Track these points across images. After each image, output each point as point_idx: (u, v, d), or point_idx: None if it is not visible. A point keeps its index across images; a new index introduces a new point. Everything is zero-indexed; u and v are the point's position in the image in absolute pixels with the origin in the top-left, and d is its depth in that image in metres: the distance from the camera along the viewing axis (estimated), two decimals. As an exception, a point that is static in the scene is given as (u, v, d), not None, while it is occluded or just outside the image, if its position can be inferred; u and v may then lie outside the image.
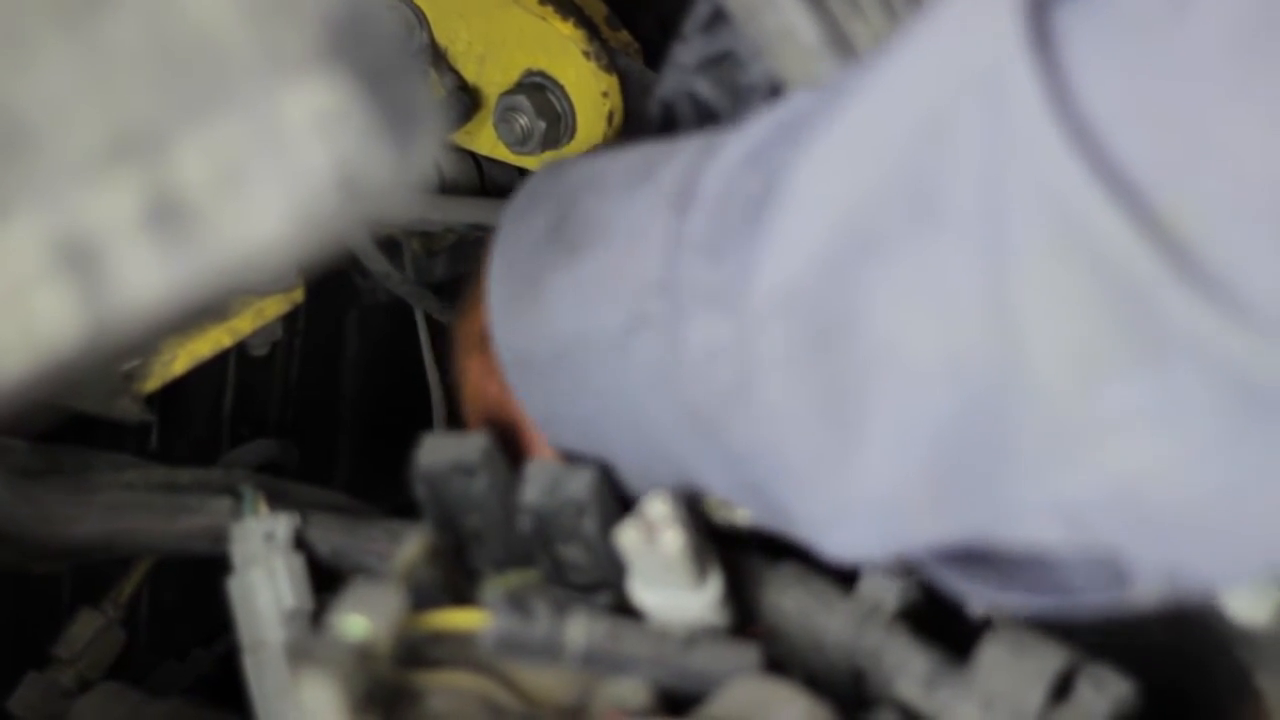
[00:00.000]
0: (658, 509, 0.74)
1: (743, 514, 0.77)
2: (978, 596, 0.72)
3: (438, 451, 0.79)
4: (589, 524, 0.77)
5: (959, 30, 0.65)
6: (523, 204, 0.81)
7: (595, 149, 0.98)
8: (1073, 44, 0.62)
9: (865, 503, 0.69)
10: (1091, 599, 0.69)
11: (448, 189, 1.05)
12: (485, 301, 0.81)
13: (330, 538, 0.86)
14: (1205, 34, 0.59)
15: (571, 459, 0.79)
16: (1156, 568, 0.66)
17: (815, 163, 0.68)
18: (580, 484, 0.77)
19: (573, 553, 0.78)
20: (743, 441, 0.71)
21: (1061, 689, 0.73)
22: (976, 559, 0.70)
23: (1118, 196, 0.59)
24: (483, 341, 0.82)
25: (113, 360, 0.82)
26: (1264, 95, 0.58)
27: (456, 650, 0.77)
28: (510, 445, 0.81)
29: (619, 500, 0.78)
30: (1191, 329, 0.59)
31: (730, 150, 0.73)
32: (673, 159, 0.76)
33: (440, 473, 0.79)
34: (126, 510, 0.89)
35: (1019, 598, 0.71)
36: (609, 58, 0.99)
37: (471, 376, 0.84)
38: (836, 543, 0.72)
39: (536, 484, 0.78)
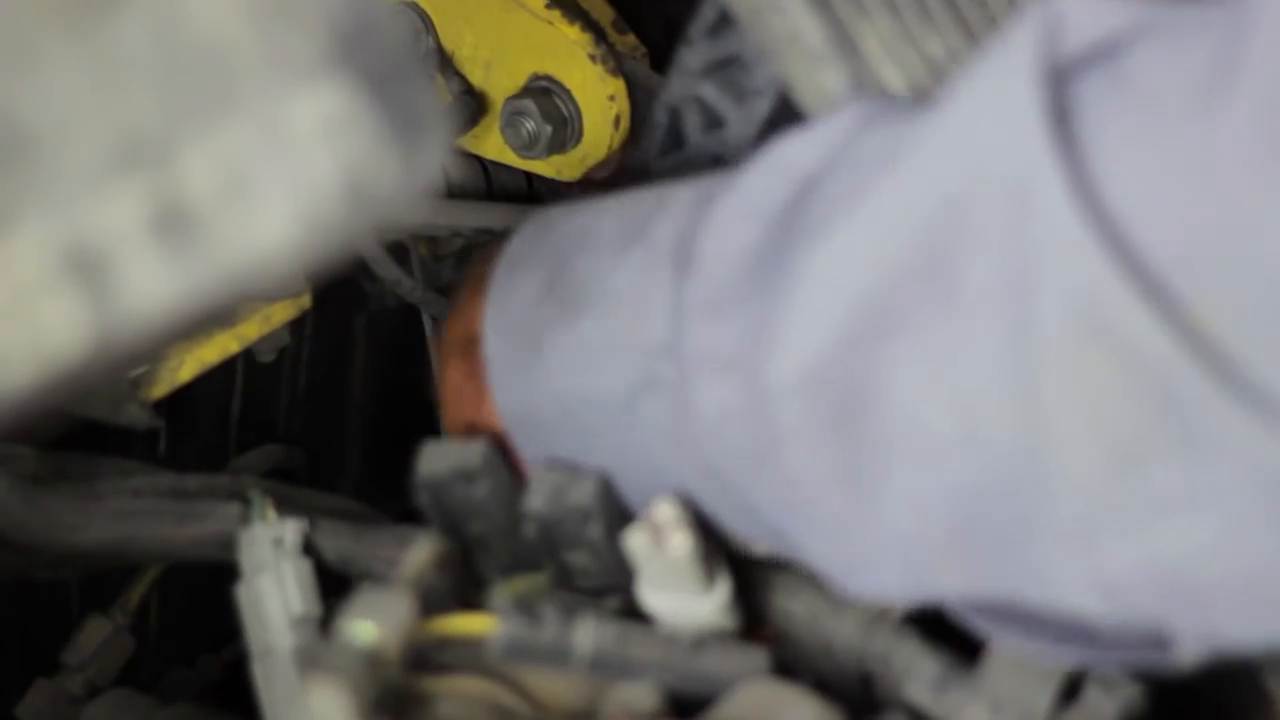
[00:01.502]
0: (665, 512, 0.74)
1: (761, 546, 0.77)
2: (1002, 641, 0.72)
3: (438, 459, 0.80)
4: (594, 530, 0.77)
5: (982, 116, 0.64)
6: (513, 259, 0.81)
7: (597, 172, 0.99)
8: (1096, 133, 0.61)
9: (886, 555, 0.70)
10: (1126, 656, 0.69)
11: (455, 194, 1.05)
12: (475, 316, 0.81)
13: (339, 543, 0.86)
14: (1235, 133, 0.59)
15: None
16: (1198, 636, 0.66)
17: (832, 246, 0.68)
18: (584, 491, 0.77)
19: (579, 559, 0.78)
20: (761, 496, 0.72)
21: (1070, 691, 0.73)
22: (1004, 607, 0.70)
23: (1146, 295, 0.59)
24: (465, 345, 0.82)
25: (120, 367, 0.82)
26: None
27: (465, 655, 0.77)
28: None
29: (622, 507, 0.78)
30: (1227, 430, 0.59)
31: (730, 208, 0.73)
32: (665, 213, 0.75)
33: (442, 480, 0.79)
34: (135, 517, 0.89)
35: (1046, 647, 0.71)
36: (615, 62, 0.99)
37: (451, 378, 0.84)
38: (858, 587, 0.72)
39: (541, 492, 0.78)
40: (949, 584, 0.70)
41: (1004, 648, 0.73)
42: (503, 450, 0.81)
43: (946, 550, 0.68)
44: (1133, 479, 0.62)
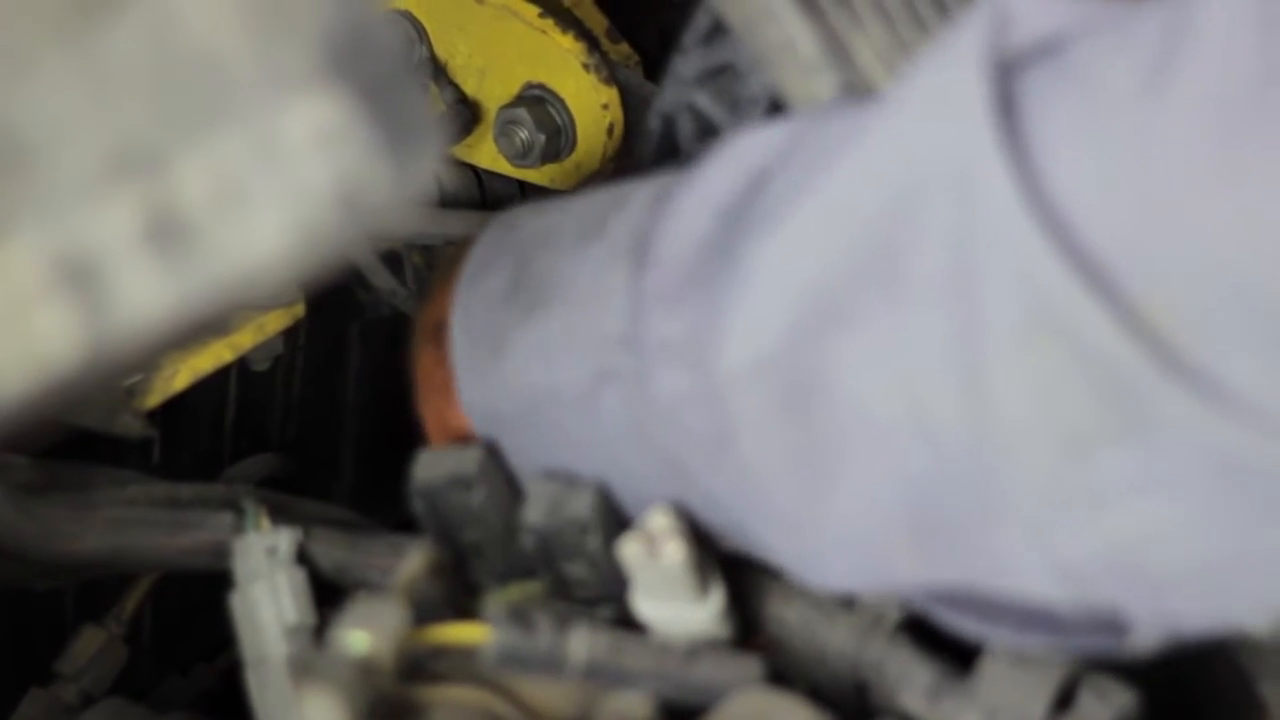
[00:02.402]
0: (659, 521, 0.74)
1: (726, 543, 0.77)
2: (964, 629, 0.72)
3: (434, 466, 0.80)
4: (592, 542, 0.77)
5: (928, 107, 0.65)
6: (478, 261, 0.81)
7: (592, 182, 0.99)
8: (1042, 124, 0.62)
9: (842, 545, 0.70)
10: (1085, 642, 0.69)
11: (448, 202, 1.06)
12: (445, 304, 0.82)
13: (333, 552, 0.86)
14: (1183, 119, 0.59)
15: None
16: (1155, 620, 0.67)
17: (781, 238, 0.68)
18: (582, 503, 0.77)
19: (576, 570, 0.78)
20: (720, 486, 0.72)
21: (1064, 699, 0.73)
22: (963, 595, 0.70)
23: (1091, 284, 0.59)
24: (435, 330, 0.83)
25: (114, 376, 0.82)
26: (1243, 188, 0.57)
27: (459, 664, 0.77)
28: (454, 434, 0.82)
29: (620, 518, 0.78)
30: (1176, 415, 0.59)
31: (687, 202, 0.73)
32: (624, 210, 0.76)
33: (437, 487, 0.79)
34: (129, 526, 0.89)
35: (1007, 634, 0.71)
36: (609, 70, 0.99)
37: (423, 363, 0.85)
38: (817, 578, 0.73)
39: (538, 503, 0.78)
40: (905, 574, 0.70)
41: (966, 632, 0.73)
42: (464, 434, 0.81)
43: (901, 540, 0.68)
44: (1084, 465, 0.62)
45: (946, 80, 0.64)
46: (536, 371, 0.77)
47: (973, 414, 0.64)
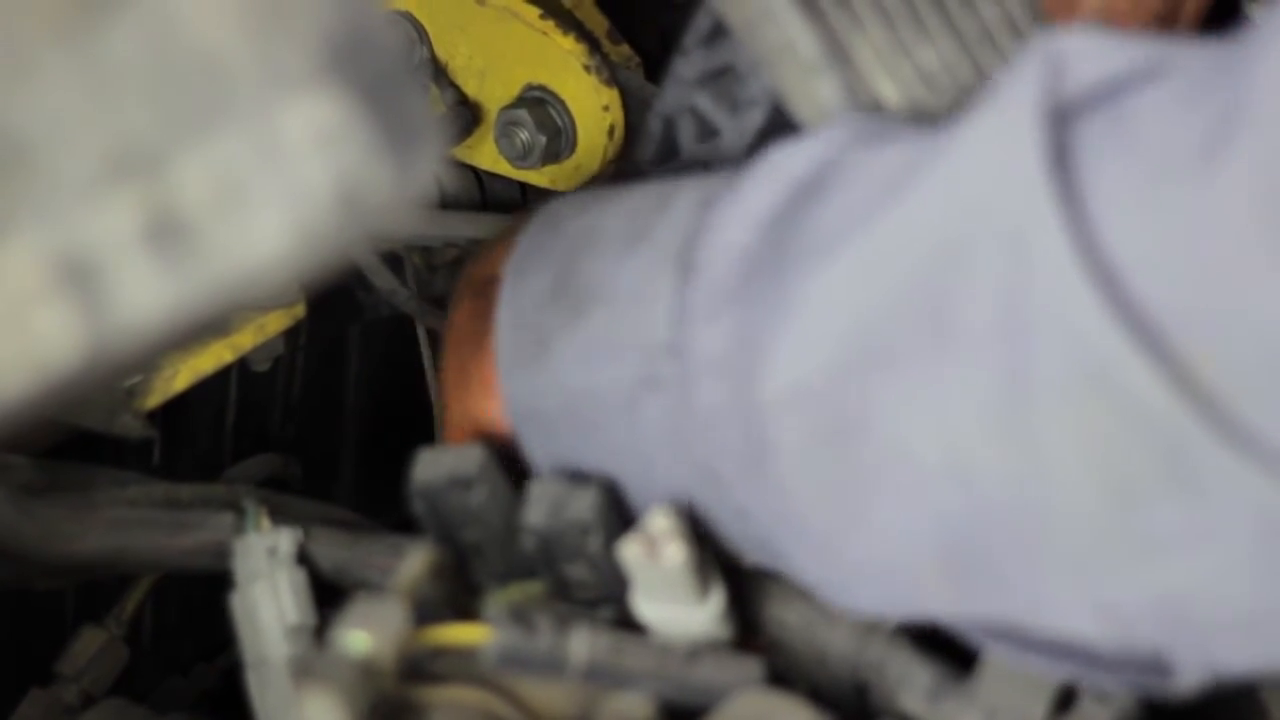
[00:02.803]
0: (660, 523, 0.74)
1: (751, 558, 0.78)
2: (997, 653, 0.72)
3: (434, 466, 0.79)
4: (594, 543, 0.77)
5: (984, 158, 0.65)
6: (524, 255, 0.81)
7: (592, 184, 0.99)
8: (1097, 179, 0.62)
9: (872, 574, 0.71)
10: (1125, 678, 0.70)
11: (449, 204, 1.06)
12: (497, 260, 0.82)
13: (333, 553, 0.86)
14: (1235, 189, 0.59)
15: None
16: (1199, 664, 0.67)
17: (831, 273, 0.68)
18: (584, 504, 0.77)
19: (577, 571, 0.78)
20: (753, 501, 0.72)
21: (1064, 701, 0.73)
22: (997, 625, 0.71)
23: (1143, 342, 0.60)
24: (482, 285, 0.83)
25: (114, 377, 0.82)
26: None
27: (459, 665, 0.77)
28: (478, 387, 0.82)
29: (623, 519, 0.78)
30: (1224, 475, 0.60)
31: (729, 213, 0.73)
32: (668, 214, 0.76)
33: (437, 487, 0.79)
34: (129, 526, 0.89)
35: (1042, 662, 0.71)
36: (610, 72, 0.99)
37: (459, 317, 0.85)
38: (846, 601, 0.73)
39: (540, 504, 0.77)
40: (936, 605, 0.71)
41: (1000, 659, 0.73)
42: (500, 451, 0.81)
43: (935, 574, 0.69)
44: (1131, 516, 0.63)
45: (1002, 129, 0.64)
46: (580, 374, 0.77)
47: (1016, 462, 0.64)
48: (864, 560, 0.70)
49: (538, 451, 0.80)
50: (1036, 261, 0.62)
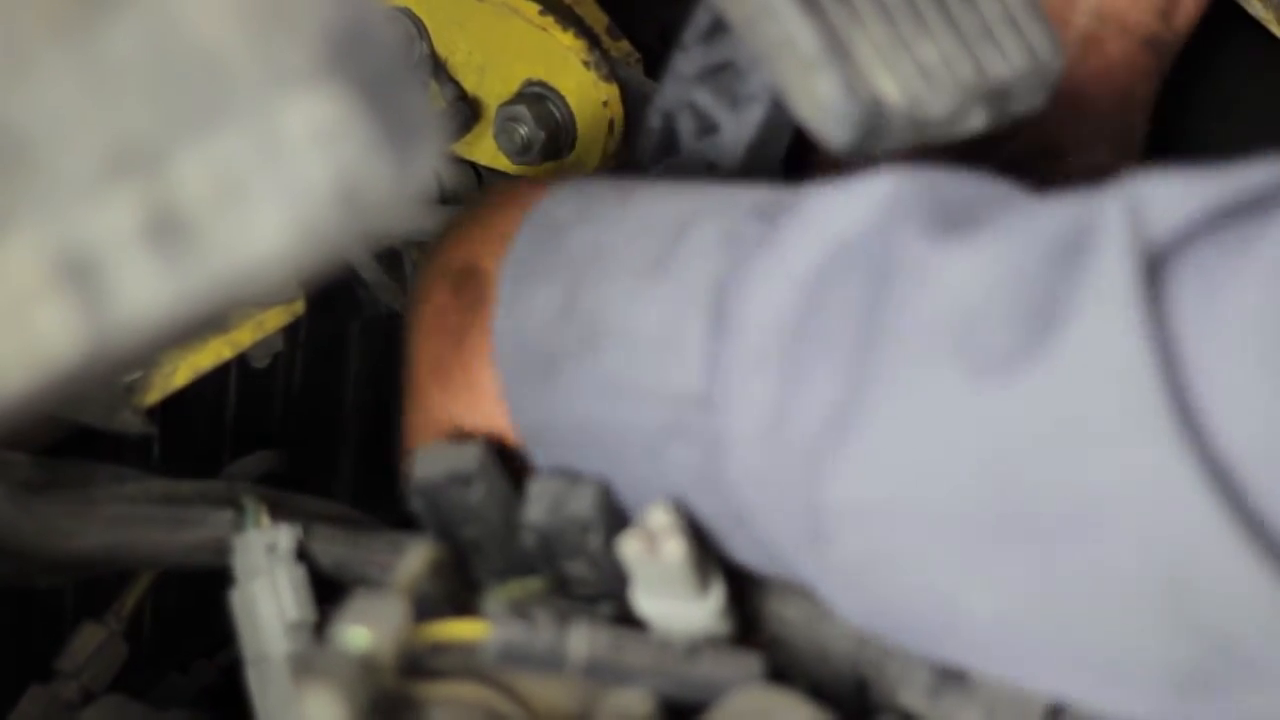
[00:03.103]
0: (659, 519, 0.74)
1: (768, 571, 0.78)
2: None
3: (433, 462, 0.79)
4: (594, 540, 0.77)
5: (1081, 353, 0.63)
6: (523, 263, 0.79)
7: (594, 174, 0.98)
8: (1201, 357, 0.61)
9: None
10: None
11: (448, 200, 1.06)
12: (481, 252, 0.81)
13: (333, 549, 0.86)
14: None
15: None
16: None
17: (916, 401, 0.67)
18: (584, 501, 0.77)
19: (577, 568, 0.78)
20: (802, 567, 0.73)
21: (1064, 698, 0.73)
22: None
23: (1256, 541, 0.60)
24: (465, 278, 0.81)
25: (114, 374, 0.82)
26: None
27: (459, 661, 0.77)
28: (460, 381, 0.82)
29: (622, 516, 0.78)
30: None
31: (771, 263, 0.71)
32: (691, 248, 0.74)
33: (436, 483, 0.79)
34: (128, 523, 0.89)
35: None
36: (609, 68, 0.99)
37: (436, 297, 0.83)
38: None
39: (540, 501, 0.77)
40: None
41: None
42: (496, 449, 0.81)
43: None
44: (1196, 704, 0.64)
45: (1098, 318, 0.62)
46: (597, 407, 0.76)
47: (1084, 639, 0.66)
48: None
49: (550, 462, 0.79)
50: (1142, 446, 0.61)
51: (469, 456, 0.79)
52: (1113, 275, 0.62)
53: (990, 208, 0.70)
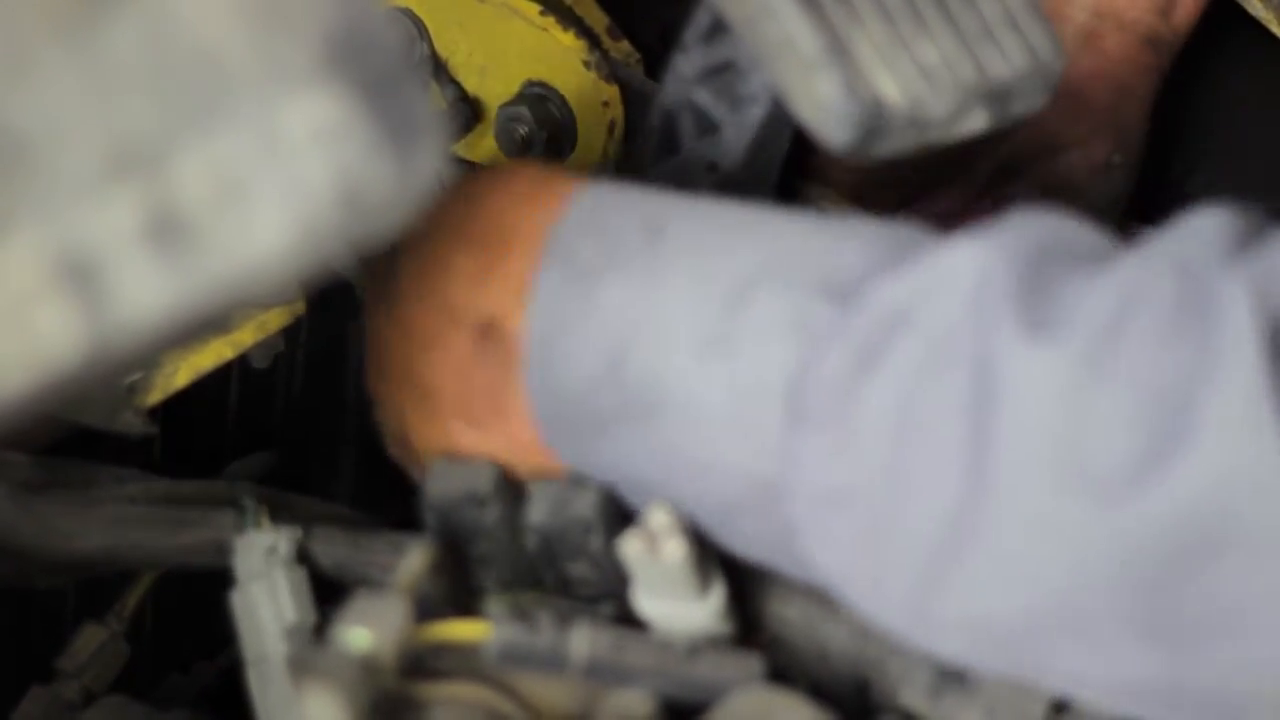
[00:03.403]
0: (660, 519, 0.74)
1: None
2: None
3: (448, 480, 0.79)
4: (595, 541, 0.77)
5: (1225, 456, 0.61)
6: (551, 317, 0.75)
7: (597, 167, 0.98)
8: None
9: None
10: None
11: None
12: (501, 303, 0.77)
13: (333, 550, 0.86)
14: None
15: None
16: None
17: (1037, 532, 0.65)
18: (586, 503, 0.77)
19: (580, 569, 0.78)
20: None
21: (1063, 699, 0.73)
22: None
23: None
24: (485, 330, 0.77)
25: (115, 374, 0.82)
26: None
27: (460, 661, 0.77)
28: (497, 429, 0.79)
29: (624, 517, 0.78)
30: None
31: (845, 362, 0.69)
32: (754, 328, 0.71)
33: (451, 502, 0.79)
34: (129, 524, 0.89)
35: None
36: (610, 68, 0.99)
37: (457, 346, 0.79)
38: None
39: (543, 503, 0.77)
40: None
41: None
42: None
43: None
44: None
45: (1235, 429, 0.61)
46: (653, 471, 0.74)
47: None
48: None
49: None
50: None
51: (484, 477, 0.79)
52: (1244, 374, 0.60)
53: (1082, 289, 0.66)
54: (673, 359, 0.73)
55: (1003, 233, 0.69)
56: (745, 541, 0.74)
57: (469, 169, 1.04)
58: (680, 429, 0.73)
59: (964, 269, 0.68)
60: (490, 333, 0.78)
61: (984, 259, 0.67)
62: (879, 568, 0.69)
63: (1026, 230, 0.69)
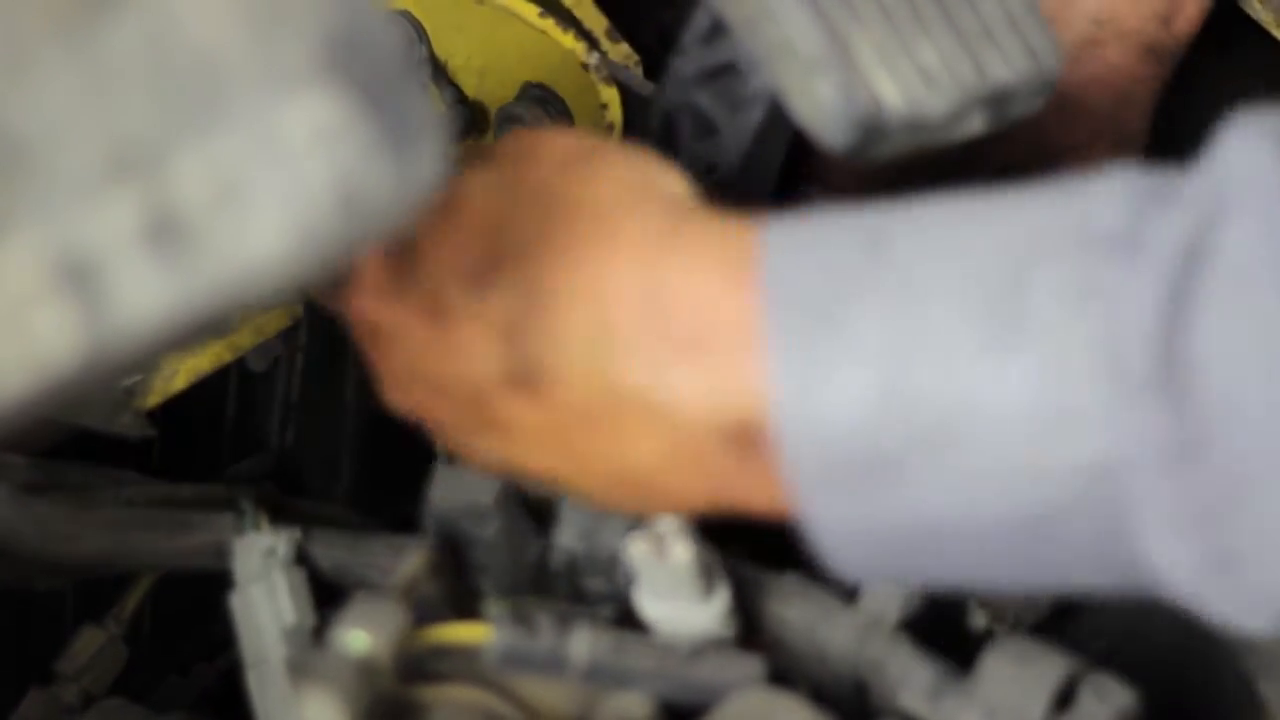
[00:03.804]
0: (667, 522, 0.74)
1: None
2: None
3: (451, 490, 0.79)
4: (620, 571, 0.77)
5: None
6: (801, 374, 0.68)
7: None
8: None
9: None
10: None
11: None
12: (748, 390, 0.69)
13: (332, 553, 0.86)
14: None
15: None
16: None
17: None
18: (615, 533, 0.77)
19: (596, 584, 0.78)
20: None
21: (1064, 698, 0.73)
22: None
23: None
24: (738, 437, 0.70)
25: (113, 377, 0.82)
26: None
27: (459, 664, 0.77)
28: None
29: None
30: None
31: (1151, 305, 0.65)
32: (1041, 305, 0.66)
33: (454, 513, 0.79)
34: (128, 526, 0.89)
35: None
36: (609, 70, 0.99)
37: (715, 459, 0.71)
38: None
39: (571, 528, 0.78)
40: None
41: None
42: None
43: None
44: None
45: None
46: (955, 507, 0.68)
47: None
48: None
49: (863, 568, 0.72)
50: None
51: (488, 491, 0.79)
52: None
53: None
54: (956, 371, 0.67)
55: (1245, 135, 0.66)
56: (1063, 553, 0.68)
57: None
58: (985, 444, 0.67)
59: (1236, 186, 0.65)
60: (742, 438, 0.70)
61: (1249, 168, 0.65)
62: (1236, 537, 0.64)
63: (1267, 127, 0.66)
